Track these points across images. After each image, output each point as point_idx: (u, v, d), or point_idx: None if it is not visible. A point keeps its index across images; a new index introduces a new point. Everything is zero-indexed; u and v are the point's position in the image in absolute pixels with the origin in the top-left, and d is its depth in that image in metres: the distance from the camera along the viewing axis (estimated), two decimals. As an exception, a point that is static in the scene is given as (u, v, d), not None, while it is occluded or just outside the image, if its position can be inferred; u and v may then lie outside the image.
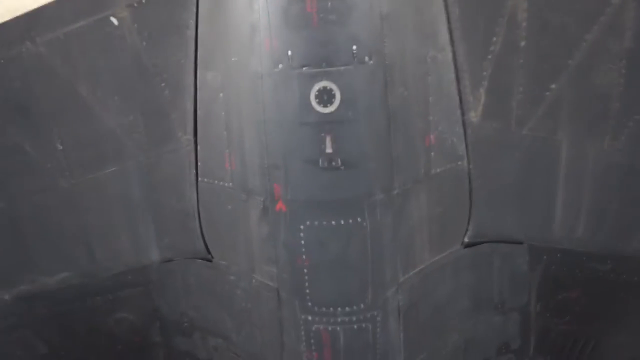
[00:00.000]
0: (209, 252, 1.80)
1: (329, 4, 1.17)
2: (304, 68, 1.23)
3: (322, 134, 1.26)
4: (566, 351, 2.07)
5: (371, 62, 1.24)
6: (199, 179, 1.67)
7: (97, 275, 1.96)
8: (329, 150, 1.27)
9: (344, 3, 1.19)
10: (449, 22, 1.45)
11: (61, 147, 1.67)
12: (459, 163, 1.60)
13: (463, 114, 1.55)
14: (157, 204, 1.77)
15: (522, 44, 1.49)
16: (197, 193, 1.69)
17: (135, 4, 1.48)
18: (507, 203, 1.74)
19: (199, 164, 1.65)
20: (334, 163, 1.28)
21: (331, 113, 1.24)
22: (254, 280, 1.65)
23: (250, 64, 1.31)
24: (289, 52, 1.22)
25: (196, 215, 1.73)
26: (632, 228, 1.72)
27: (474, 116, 1.57)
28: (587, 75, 1.55)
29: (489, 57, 1.51)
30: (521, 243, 1.83)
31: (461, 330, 1.86)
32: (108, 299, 2.05)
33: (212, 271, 1.83)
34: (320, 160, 1.28)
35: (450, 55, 1.48)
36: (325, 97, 1.23)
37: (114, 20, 1.48)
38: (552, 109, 1.59)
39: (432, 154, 1.52)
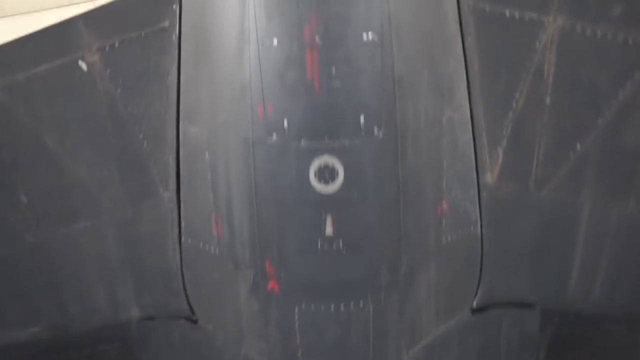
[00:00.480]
0: (193, 313, 1.64)
1: (333, 69, 0.99)
2: (303, 140, 1.05)
3: (322, 215, 1.09)
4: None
5: (381, 133, 1.06)
6: (182, 238, 1.50)
7: (71, 330, 1.80)
8: (329, 232, 1.10)
9: (351, 67, 1.01)
10: (467, 77, 1.28)
11: (26, 201, 1.49)
12: (472, 228, 1.45)
13: (478, 176, 1.40)
14: (137, 261, 1.60)
15: (548, 100, 1.33)
16: (181, 252, 1.52)
17: (107, 47, 1.27)
18: (520, 266, 1.61)
19: (182, 222, 1.48)
20: (334, 246, 1.12)
21: (333, 193, 1.07)
22: (242, 352, 1.50)
23: (239, 128, 1.13)
24: (285, 122, 1.04)
25: (179, 275, 1.56)
26: None
27: (490, 178, 1.42)
28: (615, 134, 1.40)
29: (510, 114, 1.35)
30: (533, 305, 1.70)
31: None
32: (83, 353, 1.89)
33: (197, 333, 1.67)
34: (319, 243, 1.12)
35: (467, 113, 1.31)
36: (326, 174, 1.06)
37: (83, 65, 1.28)
38: (576, 169, 1.44)
39: (444, 222, 1.37)
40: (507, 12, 1.25)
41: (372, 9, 1.00)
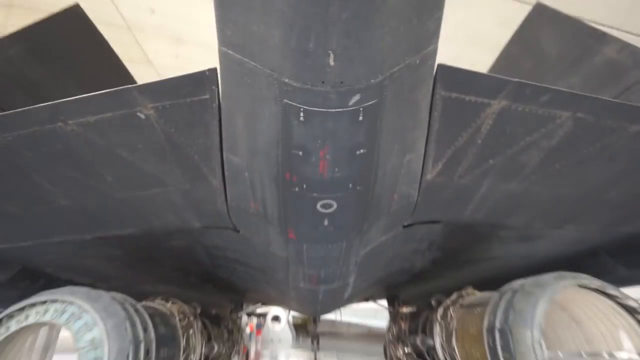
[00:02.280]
0: (238, 230, 2.72)
1: (336, 169, 1.60)
2: (314, 194, 1.77)
3: (322, 218, 1.97)
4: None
5: (359, 188, 1.79)
6: (228, 199, 2.33)
7: (154, 232, 2.90)
8: (325, 222, 2.01)
9: (347, 169, 1.62)
10: (428, 134, 1.83)
11: (110, 179, 2.17)
12: (411, 200, 2.38)
13: (421, 177, 2.20)
14: (197, 205, 2.48)
15: (479, 142, 1.98)
16: (227, 201, 2.37)
17: (160, 106, 1.63)
18: (436, 208, 2.67)
19: (227, 194, 2.27)
20: (328, 227, 2.07)
21: (329, 213, 1.91)
22: (270, 250, 2.73)
23: (271, 176, 1.78)
24: (304, 185, 1.72)
25: (227, 214, 2.50)
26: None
27: (429, 177, 2.22)
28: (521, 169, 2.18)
29: (448, 152, 2.01)
30: (439, 222, 2.92)
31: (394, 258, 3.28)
32: (162, 246, 3.11)
33: (240, 237, 2.83)
34: (320, 227, 2.06)
35: (422, 152, 1.95)
36: (326, 206, 1.85)
37: (141, 115, 1.67)
38: (480, 175, 2.28)
39: (395, 200, 2.27)
40: (467, 98, 1.67)
41: (366, 134, 1.47)
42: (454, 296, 4.58)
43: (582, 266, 4.29)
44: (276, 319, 19.50)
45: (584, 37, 3.73)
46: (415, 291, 6.92)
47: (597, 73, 3.69)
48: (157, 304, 4.33)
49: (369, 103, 1.32)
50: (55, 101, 1.62)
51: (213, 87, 1.54)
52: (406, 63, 1.29)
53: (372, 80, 1.24)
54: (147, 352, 2.98)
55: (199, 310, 4.98)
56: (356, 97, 1.28)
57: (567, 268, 4.23)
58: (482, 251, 3.97)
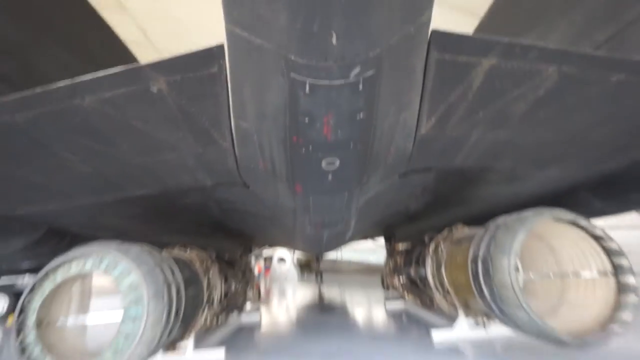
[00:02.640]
0: (247, 186, 2.98)
1: (339, 131, 1.77)
2: (319, 153, 1.97)
3: (326, 174, 2.20)
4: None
5: (359, 146, 1.98)
6: (238, 160, 2.53)
7: (170, 191, 3.16)
8: (330, 178, 2.26)
9: (348, 130, 1.78)
10: (422, 93, 1.97)
11: (126, 147, 2.34)
12: (406, 151, 2.59)
13: (416, 131, 2.38)
14: (209, 164, 2.69)
15: (470, 97, 2.12)
16: (236, 159, 2.57)
17: (171, 80, 1.73)
18: (430, 156, 2.89)
19: (237, 155, 2.47)
20: (331, 181, 2.31)
21: (333, 170, 2.13)
22: (278, 202, 3.01)
23: (279, 138, 1.95)
24: (310, 147, 1.91)
25: (237, 171, 2.72)
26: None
27: (423, 131, 2.40)
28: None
29: (441, 107, 2.16)
30: (432, 169, 3.18)
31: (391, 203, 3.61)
32: (177, 203, 3.38)
33: (249, 192, 3.10)
34: (323, 180, 2.30)
35: (416, 111, 2.10)
36: (330, 163, 2.07)
37: (154, 89, 1.78)
38: (467, 130, 2.46)
39: (391, 153, 2.48)
40: (459, 59, 1.76)
41: (366, 101, 1.60)
42: (445, 233, 5.08)
43: (563, 201, 4.70)
44: (282, 260, 21.11)
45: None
46: (410, 230, 7.53)
47: (598, 8, 3.63)
48: (178, 252, 4.80)
49: (368, 74, 1.45)
50: (73, 80, 1.72)
51: (221, 61, 1.63)
52: (403, 34, 1.39)
53: (371, 54, 1.36)
54: (178, 292, 3.46)
55: (214, 255, 5.51)
56: (356, 70, 1.40)
57: (550, 203, 4.65)
58: (472, 192, 4.31)
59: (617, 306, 3.18)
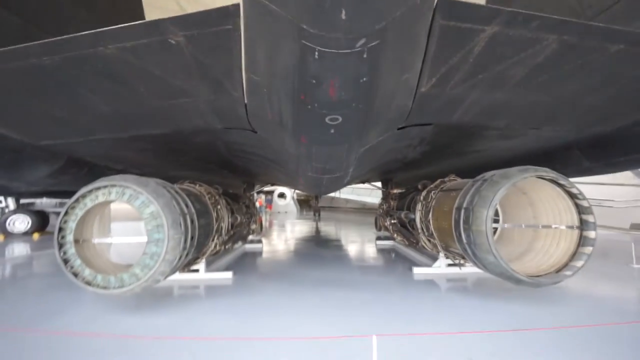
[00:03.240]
0: (255, 131, 3.21)
1: (343, 93, 1.94)
2: (324, 110, 2.16)
3: (329, 127, 2.42)
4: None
5: (360, 106, 2.17)
6: (247, 106, 2.72)
7: (183, 131, 3.40)
8: (332, 131, 2.49)
9: (353, 91, 1.95)
10: (425, 55, 2.08)
11: (144, 91, 2.53)
12: (407, 107, 2.76)
13: (416, 90, 2.53)
14: (221, 111, 2.89)
15: (471, 61, 2.24)
16: (246, 109, 2.77)
17: (189, 35, 1.85)
18: (427, 112, 3.07)
19: (246, 104, 2.65)
20: (334, 134, 2.54)
21: (335, 124, 2.34)
22: (284, 147, 3.28)
23: (288, 96, 2.12)
24: (315, 104, 2.10)
25: (246, 119, 2.94)
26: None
27: (423, 89, 2.55)
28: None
29: (443, 69, 2.29)
30: (431, 124, 3.37)
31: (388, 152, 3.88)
32: (189, 142, 3.64)
33: (257, 136, 3.34)
34: (327, 134, 2.54)
35: (418, 73, 2.23)
36: (333, 120, 2.28)
37: (172, 41, 1.91)
38: (465, 89, 2.59)
39: (392, 110, 2.67)
40: (463, 25, 1.84)
41: (369, 67, 1.74)
42: (437, 182, 5.44)
43: (555, 158, 4.98)
44: (282, 195, 22.14)
45: None
46: (406, 176, 7.91)
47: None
48: (187, 186, 5.22)
49: (373, 44, 1.58)
50: (98, 29, 1.84)
51: (236, 19, 1.73)
52: (408, 6, 1.49)
53: (377, 27, 1.48)
54: (192, 221, 3.94)
55: (221, 191, 5.96)
56: (362, 41, 1.54)
57: (542, 160, 4.94)
58: (468, 146, 4.54)
59: (574, 255, 3.68)
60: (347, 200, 21.28)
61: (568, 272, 3.60)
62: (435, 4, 1.70)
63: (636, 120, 3.51)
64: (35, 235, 10.16)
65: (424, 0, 1.56)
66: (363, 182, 10.83)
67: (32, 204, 10.85)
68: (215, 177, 7.02)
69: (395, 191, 7.91)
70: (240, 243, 7.76)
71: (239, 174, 7.09)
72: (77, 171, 4.74)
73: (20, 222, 10.34)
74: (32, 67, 2.12)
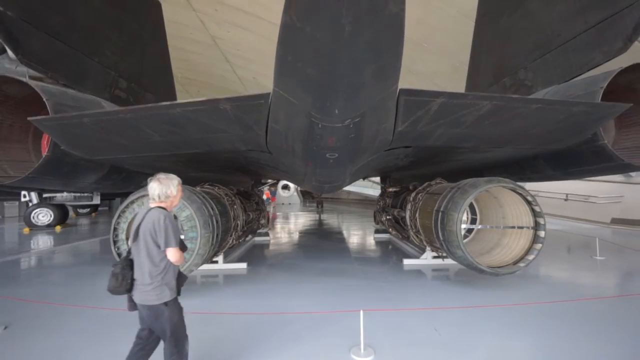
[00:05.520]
0: (270, 152, 4.23)
1: (334, 139, 2.95)
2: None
3: (327, 153, 3.43)
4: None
5: (352, 124, 3.17)
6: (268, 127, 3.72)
7: (210, 151, 4.42)
8: (329, 155, 3.49)
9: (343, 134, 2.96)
10: (397, 113, 3.07)
11: (194, 132, 3.54)
12: (388, 127, 3.74)
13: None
14: (245, 133, 3.90)
15: (431, 113, 3.22)
16: (267, 133, 3.79)
17: (234, 105, 2.86)
18: (409, 136, 4.05)
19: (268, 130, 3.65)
20: (331, 162, 3.56)
21: (333, 146, 3.35)
22: (294, 167, 4.30)
23: (301, 133, 3.13)
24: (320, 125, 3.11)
25: (264, 140, 3.95)
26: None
27: (400, 128, 3.53)
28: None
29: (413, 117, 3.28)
30: (410, 147, 4.36)
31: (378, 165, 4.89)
32: (214, 158, 4.67)
33: (272, 157, 4.36)
34: (325, 160, 3.55)
35: (394, 119, 3.21)
36: (330, 139, 3.28)
37: (222, 108, 2.91)
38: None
39: (380, 129, 3.65)
40: (418, 99, 2.82)
41: (355, 130, 2.73)
42: (425, 184, 6.46)
43: (525, 166, 5.96)
44: (286, 187, 23.25)
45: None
46: (401, 174, 8.94)
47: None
48: (208, 189, 6.27)
49: (356, 120, 2.57)
50: (174, 102, 2.85)
51: (267, 99, 2.73)
52: (378, 99, 2.47)
53: (358, 113, 2.47)
54: (217, 222, 5.00)
55: (235, 191, 7.01)
56: (348, 120, 2.53)
57: (515, 167, 5.96)
58: (447, 158, 5.53)
59: (529, 250, 4.71)
60: (349, 192, 22.35)
61: (522, 264, 4.65)
62: (397, 93, 2.68)
63: (580, 141, 4.47)
64: (58, 228, 11.35)
65: (390, 94, 2.55)
66: (363, 179, 11.85)
67: (53, 197, 11.95)
68: (227, 176, 8.07)
69: (390, 190, 8.95)
70: (250, 236, 8.89)
71: (249, 174, 8.13)
72: (117, 177, 5.79)
73: (44, 216, 11.50)
74: (119, 120, 3.15)
